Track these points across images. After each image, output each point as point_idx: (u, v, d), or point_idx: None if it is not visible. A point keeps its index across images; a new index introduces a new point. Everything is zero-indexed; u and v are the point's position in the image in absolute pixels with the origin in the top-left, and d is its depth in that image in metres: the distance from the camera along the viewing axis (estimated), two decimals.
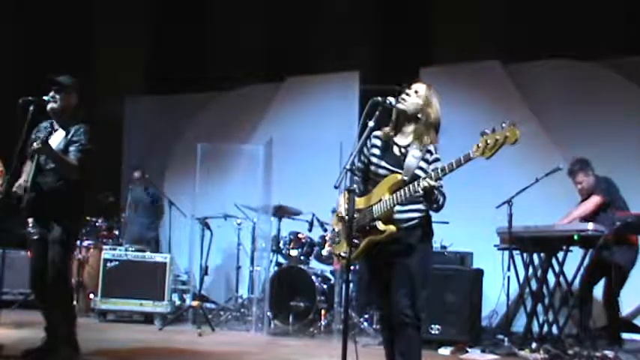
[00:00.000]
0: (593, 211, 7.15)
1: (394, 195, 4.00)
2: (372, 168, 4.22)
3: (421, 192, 3.89)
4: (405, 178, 4.02)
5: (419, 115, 4.17)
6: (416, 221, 4.10)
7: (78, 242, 7.96)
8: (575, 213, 7.26)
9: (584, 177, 7.32)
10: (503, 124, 3.72)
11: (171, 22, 12.47)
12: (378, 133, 4.27)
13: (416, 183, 3.92)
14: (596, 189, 7.23)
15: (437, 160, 4.10)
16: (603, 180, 7.25)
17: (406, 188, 3.96)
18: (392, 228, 4.02)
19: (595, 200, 7.16)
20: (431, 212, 4.18)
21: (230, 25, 12.07)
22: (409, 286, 4.05)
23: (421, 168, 4.06)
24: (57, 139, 5.39)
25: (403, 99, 4.17)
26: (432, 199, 3.99)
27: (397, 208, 4.04)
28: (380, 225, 4.04)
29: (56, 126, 5.47)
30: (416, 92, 4.19)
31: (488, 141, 3.75)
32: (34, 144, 5.18)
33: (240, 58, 11.78)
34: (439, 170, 3.89)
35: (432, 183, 3.87)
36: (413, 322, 4.03)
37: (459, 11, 10.27)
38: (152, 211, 10.16)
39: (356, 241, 4.11)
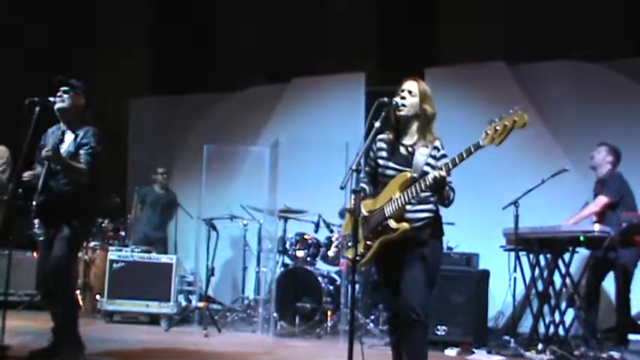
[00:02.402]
0: (599, 212, 7.14)
1: (405, 192, 4.02)
2: (380, 170, 4.25)
3: (432, 182, 3.89)
4: (415, 175, 4.04)
5: (418, 113, 4.21)
6: (426, 221, 4.12)
7: (84, 241, 7.95)
8: (582, 214, 7.26)
9: (603, 153, 7.32)
10: (511, 110, 3.74)
11: (177, 23, 12.50)
12: (382, 136, 4.30)
13: (427, 177, 3.93)
14: (603, 187, 7.22)
15: (444, 156, 4.14)
16: (616, 177, 7.23)
17: (417, 184, 3.97)
18: (405, 225, 4.03)
19: (601, 202, 7.15)
20: (440, 213, 4.20)
21: (235, 26, 12.09)
22: (418, 285, 4.06)
23: (429, 164, 4.09)
24: (66, 142, 5.42)
25: (403, 104, 4.19)
26: (444, 193, 4.01)
27: (408, 207, 4.05)
28: (392, 223, 4.05)
29: (63, 127, 5.49)
30: (410, 92, 4.23)
31: (497, 127, 3.77)
32: (44, 151, 5.20)
33: (246, 59, 11.79)
34: (449, 162, 3.91)
35: (443, 174, 3.88)
36: (421, 321, 4.03)
37: (464, 12, 10.28)
38: (166, 213, 10.13)
39: (369, 242, 4.12)
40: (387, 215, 4.07)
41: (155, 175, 10.10)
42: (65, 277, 5.42)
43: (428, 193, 4.09)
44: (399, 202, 4.03)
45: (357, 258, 4.13)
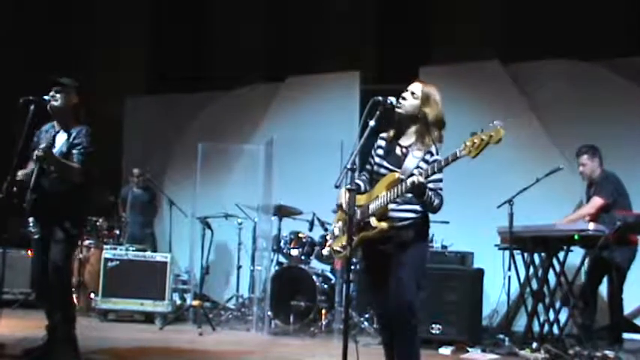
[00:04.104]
0: (595, 214, 7.12)
1: (389, 192, 4.04)
2: (375, 168, 4.29)
3: (410, 187, 3.92)
4: (402, 177, 4.05)
5: (418, 116, 4.19)
6: (410, 221, 4.12)
7: (79, 242, 7.94)
8: (576, 215, 7.26)
9: (589, 160, 7.26)
10: (490, 125, 3.76)
11: (171, 22, 12.52)
12: (384, 134, 4.34)
13: (406, 181, 3.95)
14: (597, 189, 7.21)
15: (436, 161, 4.11)
16: (610, 178, 7.21)
17: (399, 185, 4.00)
18: (383, 225, 4.07)
19: (596, 203, 7.10)
20: (427, 213, 4.21)
21: (230, 25, 12.10)
22: (405, 286, 4.07)
23: (419, 168, 4.08)
24: (59, 142, 5.41)
25: (402, 103, 4.20)
26: (423, 198, 4.01)
27: (393, 206, 4.08)
28: (373, 221, 4.09)
29: (57, 127, 5.49)
30: (412, 94, 4.23)
31: (475, 140, 3.80)
32: (37, 151, 5.19)
33: (241, 57, 11.80)
34: (428, 168, 3.94)
35: (420, 179, 3.90)
36: (409, 321, 4.05)
37: (460, 11, 10.30)
38: (148, 210, 10.37)
39: (354, 237, 4.14)
40: (370, 212, 4.12)
41: (131, 177, 10.39)
42: (63, 281, 5.44)
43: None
44: (382, 201, 4.07)
45: (339, 249, 4.29)
